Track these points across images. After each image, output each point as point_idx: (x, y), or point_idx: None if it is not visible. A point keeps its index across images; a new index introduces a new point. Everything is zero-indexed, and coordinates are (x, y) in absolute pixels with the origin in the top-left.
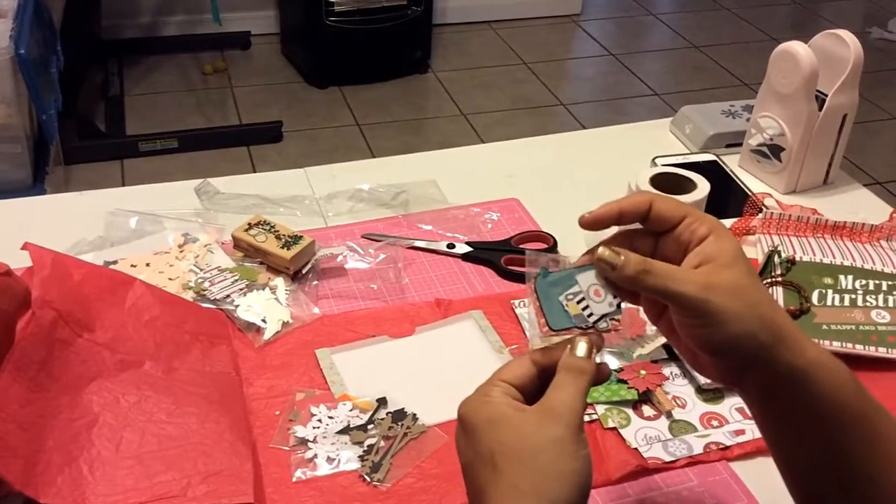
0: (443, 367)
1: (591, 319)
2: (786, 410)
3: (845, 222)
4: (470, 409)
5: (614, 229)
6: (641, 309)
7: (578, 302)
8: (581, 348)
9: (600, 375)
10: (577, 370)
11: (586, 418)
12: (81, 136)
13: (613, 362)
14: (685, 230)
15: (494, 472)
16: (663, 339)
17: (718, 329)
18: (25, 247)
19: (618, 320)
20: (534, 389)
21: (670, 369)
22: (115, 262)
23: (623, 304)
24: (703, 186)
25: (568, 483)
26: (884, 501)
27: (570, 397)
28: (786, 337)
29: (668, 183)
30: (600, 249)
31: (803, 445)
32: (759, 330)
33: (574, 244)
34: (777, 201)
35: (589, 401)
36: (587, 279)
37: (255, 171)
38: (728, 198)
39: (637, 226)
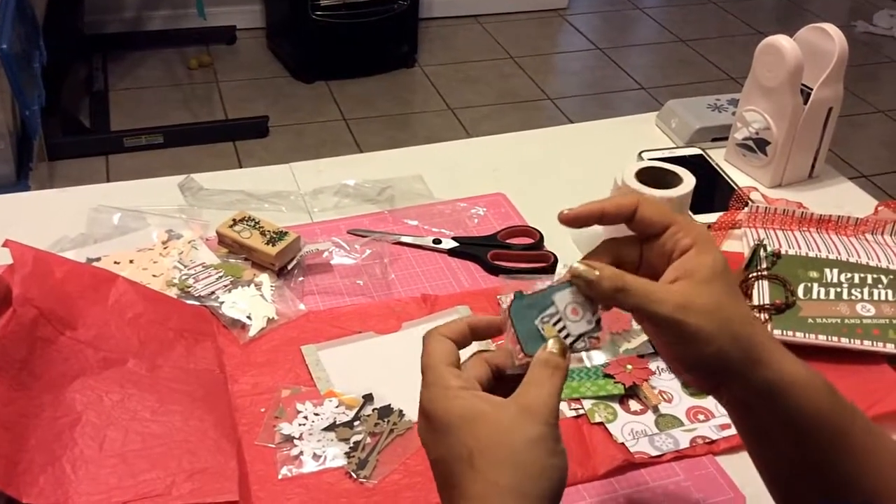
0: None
1: (569, 341)
2: (762, 423)
3: (830, 216)
4: (438, 406)
5: (600, 228)
6: None
7: (555, 324)
8: (555, 344)
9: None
10: (553, 366)
11: (573, 413)
12: (65, 131)
13: (600, 357)
14: (669, 239)
15: (472, 470)
16: None
17: (692, 347)
18: (6, 244)
19: (597, 337)
20: (486, 373)
21: (657, 364)
22: (98, 259)
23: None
24: (688, 181)
25: (548, 479)
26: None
27: (548, 394)
28: (759, 354)
29: (653, 177)
30: (575, 265)
31: (781, 456)
32: (731, 348)
33: (560, 239)
34: (763, 195)
35: (575, 396)
36: (563, 298)
37: (241, 167)
38: (714, 192)
39: (626, 232)
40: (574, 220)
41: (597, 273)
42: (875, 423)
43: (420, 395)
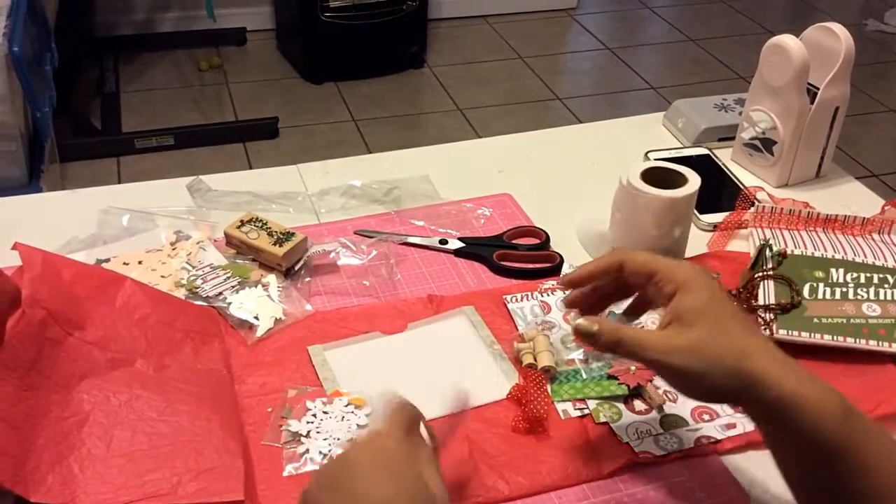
0: (435, 363)
1: None
2: (774, 435)
3: (837, 215)
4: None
5: (605, 228)
6: None
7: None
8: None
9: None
10: (401, 407)
11: (578, 413)
12: (77, 133)
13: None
14: (653, 288)
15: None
16: None
17: (687, 384)
18: (15, 246)
19: None
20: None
21: None
22: (107, 260)
23: None
24: (693, 181)
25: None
26: None
27: (391, 426)
28: (756, 379)
29: (659, 177)
30: (577, 322)
31: (794, 470)
32: (724, 381)
33: (566, 240)
34: (769, 195)
35: (580, 396)
36: (647, 314)
37: (251, 168)
38: (720, 192)
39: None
40: (570, 285)
41: (596, 328)
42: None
43: None
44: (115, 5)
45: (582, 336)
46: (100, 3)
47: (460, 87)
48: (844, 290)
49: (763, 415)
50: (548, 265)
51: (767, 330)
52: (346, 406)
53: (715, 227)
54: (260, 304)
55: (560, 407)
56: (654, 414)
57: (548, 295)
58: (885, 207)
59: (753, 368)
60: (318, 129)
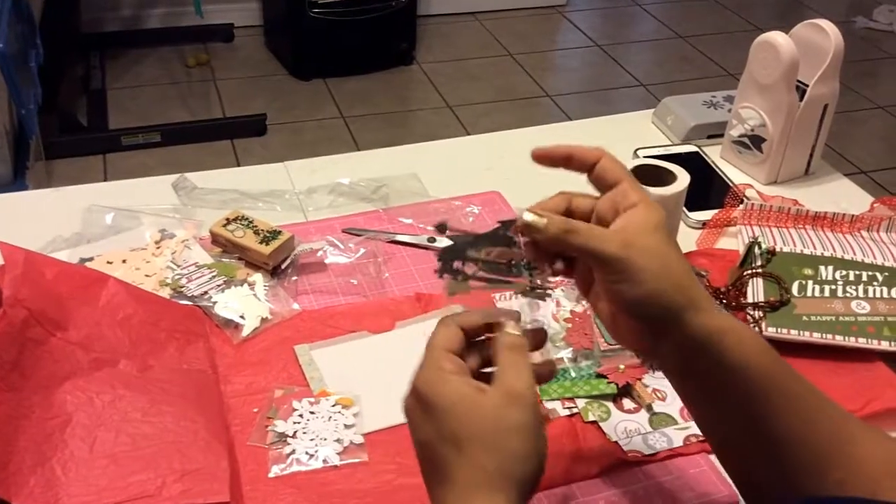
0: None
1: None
2: (700, 375)
3: (826, 213)
4: (431, 388)
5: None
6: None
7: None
8: (512, 325)
9: (547, 373)
10: (520, 347)
11: (566, 412)
12: (63, 130)
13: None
14: (619, 193)
15: (460, 455)
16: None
17: (634, 285)
18: None
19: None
20: (463, 352)
21: (650, 362)
22: (90, 259)
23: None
24: (682, 178)
25: (532, 463)
26: (808, 462)
27: (526, 376)
28: (697, 302)
29: (648, 175)
30: (524, 214)
31: (721, 413)
32: (671, 291)
33: None
34: (758, 192)
35: (568, 395)
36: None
37: (239, 165)
38: (709, 189)
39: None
40: (544, 158)
41: (545, 221)
42: (820, 391)
43: (415, 374)
44: (101, 1)
45: (530, 230)
46: None
47: (449, 84)
48: (833, 287)
49: (690, 347)
50: None
51: (756, 328)
52: (333, 406)
53: (704, 224)
54: (246, 303)
55: (549, 406)
56: (642, 413)
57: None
58: (874, 204)
59: (695, 291)
60: (307, 126)
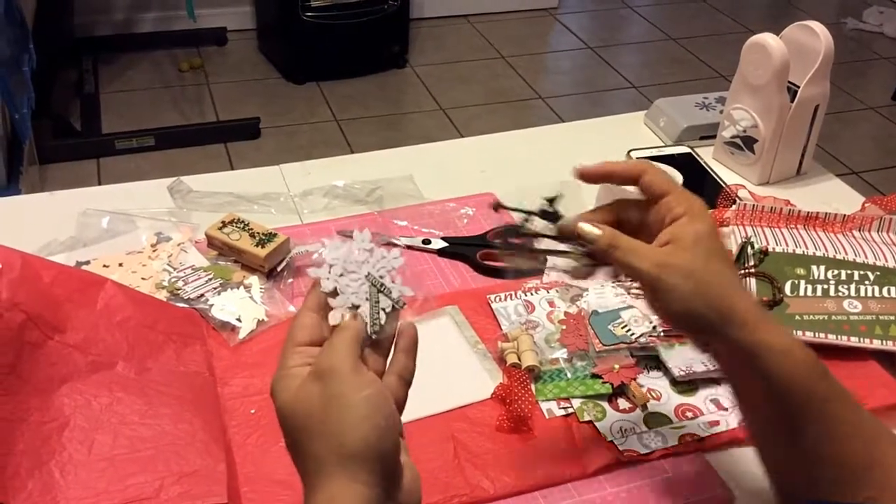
0: (419, 364)
1: (632, 336)
2: (743, 382)
3: (818, 213)
4: (273, 392)
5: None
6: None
7: (623, 327)
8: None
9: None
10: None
11: (562, 412)
12: (56, 134)
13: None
14: (664, 206)
15: (300, 455)
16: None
17: (668, 304)
18: None
19: (657, 336)
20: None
21: (645, 362)
22: (87, 263)
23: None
24: (675, 179)
25: (360, 430)
26: (840, 480)
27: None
28: (736, 318)
29: None
30: (581, 224)
31: (758, 413)
32: (704, 309)
33: None
34: (750, 192)
35: (564, 395)
36: (629, 314)
37: (232, 169)
38: (702, 190)
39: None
40: (586, 176)
41: (598, 233)
42: (862, 406)
43: None
44: (94, 5)
45: (582, 238)
46: (78, 3)
47: (442, 87)
48: (826, 287)
49: (735, 357)
50: None
51: None
52: None
53: None
54: (242, 305)
55: (544, 406)
56: (638, 412)
57: (531, 294)
58: (865, 204)
59: (736, 307)
60: (300, 130)
